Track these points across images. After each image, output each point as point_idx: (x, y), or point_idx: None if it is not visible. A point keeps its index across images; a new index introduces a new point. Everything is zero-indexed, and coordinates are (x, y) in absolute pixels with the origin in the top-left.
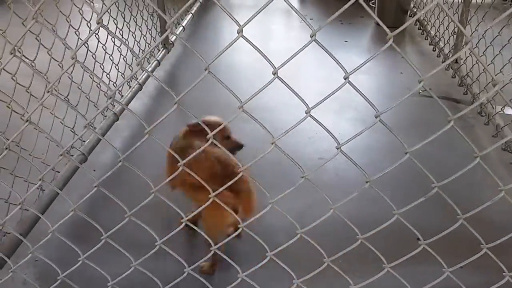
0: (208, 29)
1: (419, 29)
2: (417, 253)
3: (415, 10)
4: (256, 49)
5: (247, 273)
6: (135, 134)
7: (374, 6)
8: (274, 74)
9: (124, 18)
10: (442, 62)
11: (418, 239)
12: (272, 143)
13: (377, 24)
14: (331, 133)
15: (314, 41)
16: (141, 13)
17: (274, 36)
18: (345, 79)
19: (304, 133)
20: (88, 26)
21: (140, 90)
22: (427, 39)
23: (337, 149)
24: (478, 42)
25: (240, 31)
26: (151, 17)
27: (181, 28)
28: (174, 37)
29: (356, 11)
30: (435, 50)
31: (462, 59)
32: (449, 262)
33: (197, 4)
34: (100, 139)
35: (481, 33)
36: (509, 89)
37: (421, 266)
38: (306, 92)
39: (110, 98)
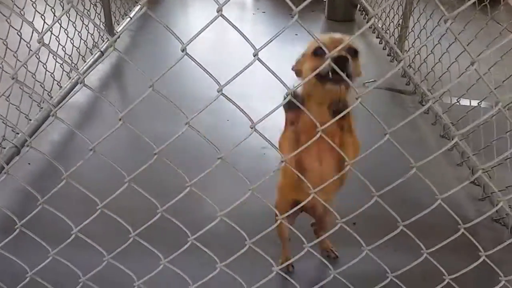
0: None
1: (367, 22)
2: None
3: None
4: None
5: (169, 259)
6: (75, 126)
7: (324, 0)
8: (254, 56)
9: (62, 7)
10: (388, 55)
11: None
12: (186, 123)
13: (328, 18)
14: (246, 113)
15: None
16: (83, 2)
17: (228, 28)
18: (254, 56)
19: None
20: (22, 14)
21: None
22: (374, 32)
23: (251, 128)
24: (420, 33)
25: (183, 50)
26: (94, 7)
27: (128, 19)
28: (120, 27)
29: (308, 5)
30: (381, 43)
31: (406, 50)
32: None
33: None
34: (36, 131)
35: (424, 24)
36: (464, 81)
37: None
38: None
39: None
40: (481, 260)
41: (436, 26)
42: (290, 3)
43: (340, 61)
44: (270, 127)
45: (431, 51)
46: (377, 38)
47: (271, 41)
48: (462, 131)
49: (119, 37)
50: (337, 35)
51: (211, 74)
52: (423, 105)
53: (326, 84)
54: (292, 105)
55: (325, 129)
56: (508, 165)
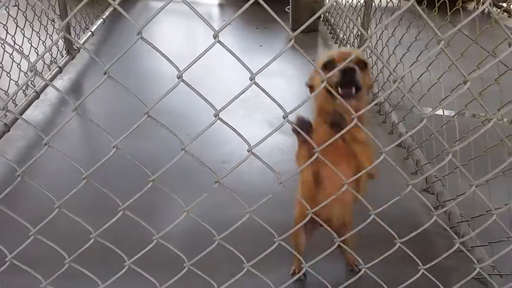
0: (122, 35)
1: (330, 33)
2: None
3: (327, 15)
4: (160, 52)
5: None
6: (31, 145)
7: (288, 11)
8: (178, 78)
9: (16, 24)
10: None
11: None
12: (182, 150)
13: (292, 29)
14: (242, 136)
15: (218, 42)
16: (39, 19)
17: (191, 40)
18: (250, 80)
19: (210, 137)
20: None
21: (37, 98)
22: (337, 42)
23: (248, 151)
24: (376, 43)
25: (139, 33)
26: (52, 22)
27: (89, 33)
28: (81, 41)
29: (273, 17)
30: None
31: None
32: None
33: (110, 9)
34: None
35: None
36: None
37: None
38: (216, 95)
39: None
40: (420, 273)
41: (390, 36)
42: (287, 28)
43: (348, 73)
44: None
45: (387, 61)
46: (339, 48)
47: (268, 65)
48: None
49: (78, 51)
50: (346, 49)
51: (206, 99)
52: (381, 115)
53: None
54: (300, 128)
55: (332, 145)
56: (458, 174)
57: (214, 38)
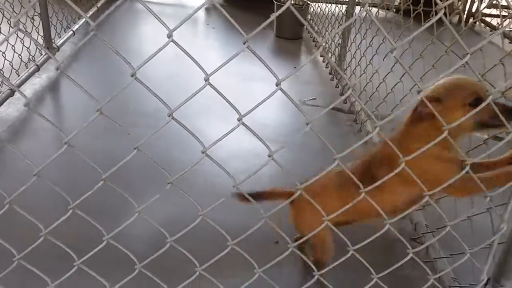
0: (105, 35)
1: (313, 41)
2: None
3: (311, 22)
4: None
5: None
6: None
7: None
8: (206, 81)
9: None
10: (329, 74)
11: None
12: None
13: (277, 35)
14: (196, 137)
15: (247, 48)
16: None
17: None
18: (205, 80)
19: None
20: None
21: (12, 96)
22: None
23: (202, 152)
24: (355, 52)
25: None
26: (32, 20)
27: (71, 32)
28: (62, 41)
29: (258, 23)
30: (324, 61)
31: (345, 69)
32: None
33: (93, 9)
34: None
35: (359, 44)
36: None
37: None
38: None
39: None
40: (373, 282)
41: (368, 46)
42: (241, 30)
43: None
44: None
45: (364, 70)
46: (320, 56)
47: (223, 65)
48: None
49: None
50: (462, 78)
51: (161, 98)
52: (357, 123)
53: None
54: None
55: None
56: None
57: (168, 38)
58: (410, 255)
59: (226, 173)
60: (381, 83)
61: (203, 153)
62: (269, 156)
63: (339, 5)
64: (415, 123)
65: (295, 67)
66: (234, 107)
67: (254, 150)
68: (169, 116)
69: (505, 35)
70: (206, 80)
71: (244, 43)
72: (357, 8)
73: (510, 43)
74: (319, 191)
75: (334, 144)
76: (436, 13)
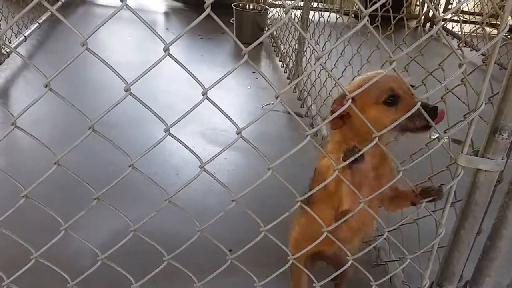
0: (59, 41)
1: (272, 45)
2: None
3: (270, 27)
4: (105, 64)
5: None
6: None
7: (233, 23)
8: (203, 95)
9: None
10: (287, 78)
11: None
12: (130, 165)
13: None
14: (195, 153)
15: (168, 55)
16: None
17: (129, 48)
18: (203, 94)
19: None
20: None
21: None
22: (278, 56)
23: (200, 168)
24: (310, 57)
25: (84, 44)
26: None
27: (22, 37)
28: (12, 46)
29: (218, 27)
30: (283, 66)
31: (301, 74)
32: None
33: (47, 13)
34: None
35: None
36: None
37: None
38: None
39: None
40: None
41: (332, 48)
42: (241, 44)
43: (435, 111)
44: None
45: (318, 75)
46: (279, 61)
47: (218, 82)
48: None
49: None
50: (391, 74)
51: (158, 115)
52: (313, 128)
53: (402, 132)
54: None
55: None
56: None
57: (164, 51)
58: (351, 261)
59: (225, 188)
60: (333, 87)
61: (200, 168)
62: (200, 168)
63: (295, 10)
64: (334, 126)
65: (253, 72)
66: (233, 122)
67: (208, 157)
68: (165, 132)
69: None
70: (204, 94)
71: (243, 55)
72: (311, 13)
73: (464, 47)
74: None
75: (291, 149)
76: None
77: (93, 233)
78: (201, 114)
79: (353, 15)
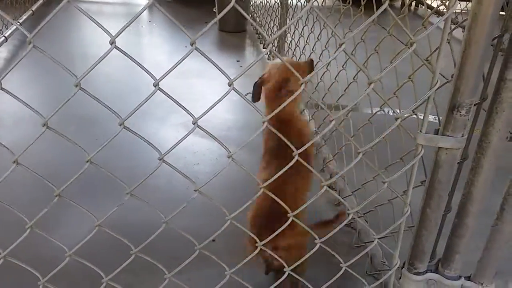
0: (42, 39)
1: (256, 33)
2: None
3: (254, 15)
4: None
5: None
6: None
7: (215, 11)
8: (155, 86)
9: None
10: None
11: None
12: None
13: (220, 29)
14: (152, 144)
15: (196, 49)
16: None
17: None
18: (154, 86)
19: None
20: None
21: None
22: (262, 43)
23: (160, 160)
24: (290, 43)
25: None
26: None
27: (2, 38)
28: None
29: (201, 17)
30: (267, 54)
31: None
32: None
33: (28, 12)
34: None
35: (293, 35)
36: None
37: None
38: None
39: None
40: (342, 271)
41: (310, 33)
42: (185, 31)
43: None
44: None
45: (298, 60)
46: (263, 48)
47: (171, 70)
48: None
49: None
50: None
51: (110, 107)
52: None
53: None
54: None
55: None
56: (364, 167)
57: (111, 44)
58: (318, 245)
59: (186, 177)
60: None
61: (160, 159)
62: (159, 160)
63: None
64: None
65: (238, 61)
66: (188, 111)
67: (190, 147)
68: (120, 125)
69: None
70: (156, 85)
71: (191, 45)
72: None
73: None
74: None
75: None
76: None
77: (73, 230)
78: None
79: None
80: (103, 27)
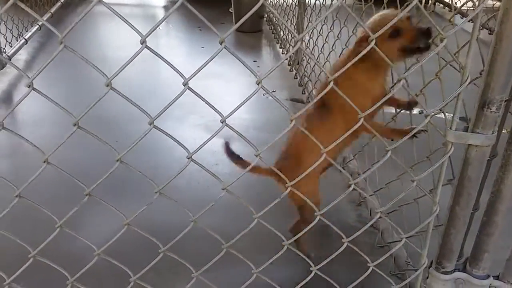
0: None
1: (272, 33)
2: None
3: (270, 15)
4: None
5: None
6: None
7: (231, 12)
8: (184, 85)
9: None
10: (288, 65)
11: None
12: (117, 160)
13: (236, 30)
14: (181, 143)
15: (225, 48)
16: None
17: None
18: (184, 85)
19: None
20: None
21: None
22: (278, 43)
23: (188, 158)
24: (308, 42)
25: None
26: None
27: (23, 40)
28: (13, 50)
29: (217, 18)
30: (284, 53)
31: (304, 60)
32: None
33: (47, 15)
34: None
35: (311, 34)
36: None
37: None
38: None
39: None
40: (370, 270)
41: (329, 31)
42: (215, 31)
43: (428, 32)
44: None
45: (317, 59)
46: (280, 48)
47: (201, 68)
48: None
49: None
50: (387, 12)
51: (140, 107)
52: None
53: (410, 55)
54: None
55: None
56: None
57: (142, 44)
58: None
59: (214, 176)
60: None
61: (188, 158)
62: (188, 158)
63: None
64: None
65: (254, 61)
66: (216, 110)
67: (209, 147)
68: (150, 125)
69: (463, 15)
70: (185, 84)
71: (220, 43)
72: None
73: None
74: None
75: None
76: None
77: (98, 229)
78: (202, 106)
79: None
80: (134, 27)
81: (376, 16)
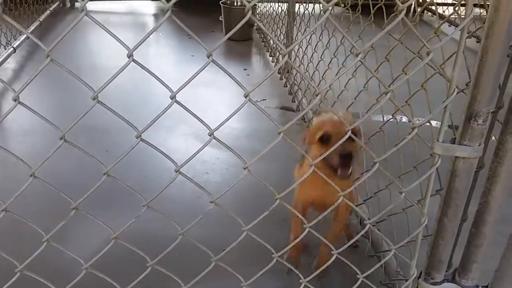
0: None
1: (262, 41)
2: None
3: (261, 23)
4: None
5: None
6: None
7: (221, 20)
8: (172, 98)
9: None
10: (278, 73)
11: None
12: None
13: (227, 38)
14: (169, 156)
15: (212, 61)
16: None
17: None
18: (171, 98)
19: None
20: None
21: None
22: (268, 51)
23: (176, 171)
24: (297, 51)
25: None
26: None
27: (11, 49)
28: (1, 58)
29: (208, 26)
30: (273, 62)
31: (291, 68)
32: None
33: (35, 23)
34: None
35: (300, 44)
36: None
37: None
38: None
39: None
40: (359, 282)
41: (308, 45)
42: (202, 44)
43: (347, 157)
44: None
45: (306, 68)
46: (270, 56)
47: (188, 82)
48: None
49: None
50: (336, 117)
51: (127, 120)
52: (305, 122)
53: (333, 172)
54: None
55: None
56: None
57: (128, 57)
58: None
59: (202, 189)
60: (320, 80)
61: (176, 172)
62: (176, 172)
63: (281, 4)
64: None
65: (245, 69)
66: (204, 123)
67: (200, 156)
68: (137, 138)
69: (451, 23)
70: (173, 97)
71: (208, 57)
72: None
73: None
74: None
75: (284, 145)
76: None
77: (86, 242)
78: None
79: (343, 5)
80: (121, 41)
81: (324, 116)
